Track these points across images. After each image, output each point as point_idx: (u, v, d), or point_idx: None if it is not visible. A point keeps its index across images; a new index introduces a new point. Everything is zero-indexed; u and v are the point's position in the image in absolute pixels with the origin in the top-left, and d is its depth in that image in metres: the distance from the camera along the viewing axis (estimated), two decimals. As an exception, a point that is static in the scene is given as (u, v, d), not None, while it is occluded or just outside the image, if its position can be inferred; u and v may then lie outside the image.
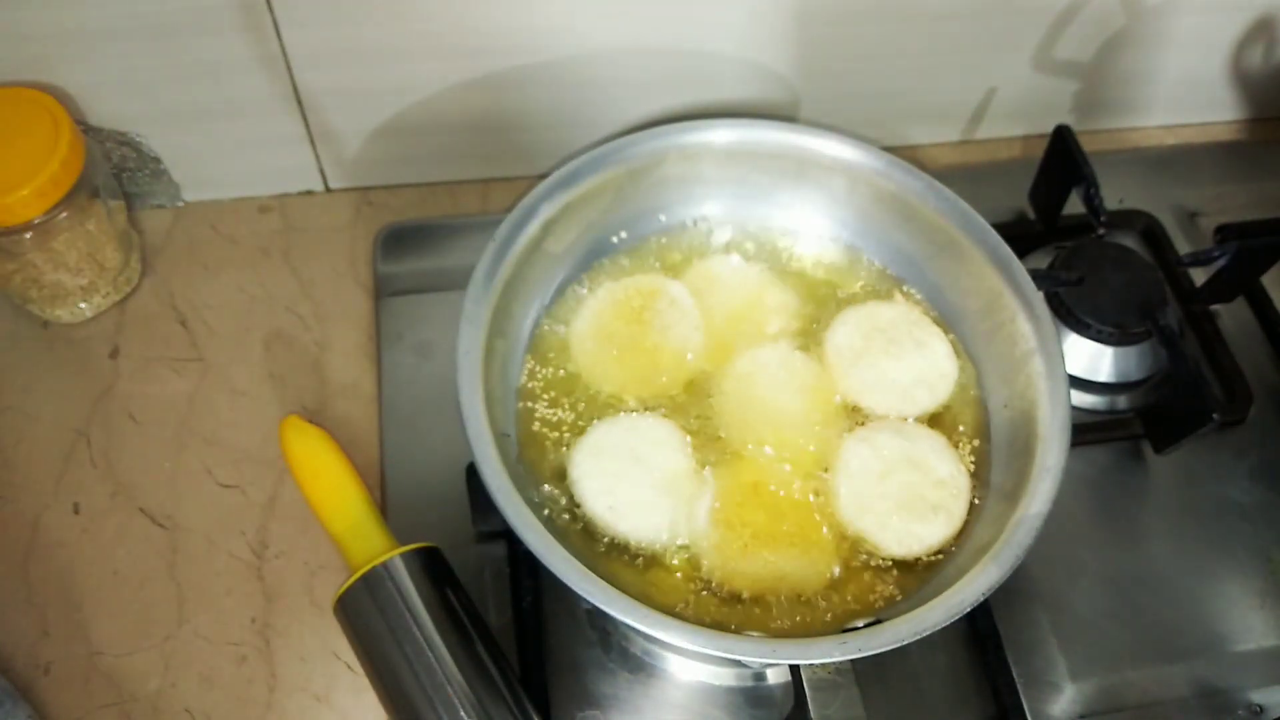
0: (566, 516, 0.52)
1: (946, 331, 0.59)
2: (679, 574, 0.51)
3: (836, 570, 0.52)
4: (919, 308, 0.59)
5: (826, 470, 0.54)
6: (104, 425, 0.61)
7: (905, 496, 0.53)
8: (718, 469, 0.54)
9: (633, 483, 0.52)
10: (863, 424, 0.56)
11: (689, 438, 0.54)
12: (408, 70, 0.64)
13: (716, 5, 0.63)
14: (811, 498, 0.53)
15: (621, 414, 0.55)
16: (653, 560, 0.51)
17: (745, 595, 0.51)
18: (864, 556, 0.52)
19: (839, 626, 0.50)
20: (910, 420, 0.56)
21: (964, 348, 0.58)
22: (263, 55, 0.61)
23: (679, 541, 0.52)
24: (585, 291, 0.59)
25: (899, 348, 0.57)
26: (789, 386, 0.57)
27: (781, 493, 0.53)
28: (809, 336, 0.59)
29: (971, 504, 0.53)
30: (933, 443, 0.55)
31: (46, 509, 0.59)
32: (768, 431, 0.55)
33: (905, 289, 0.60)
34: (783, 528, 0.52)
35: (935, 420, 0.56)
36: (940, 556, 0.52)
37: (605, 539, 0.52)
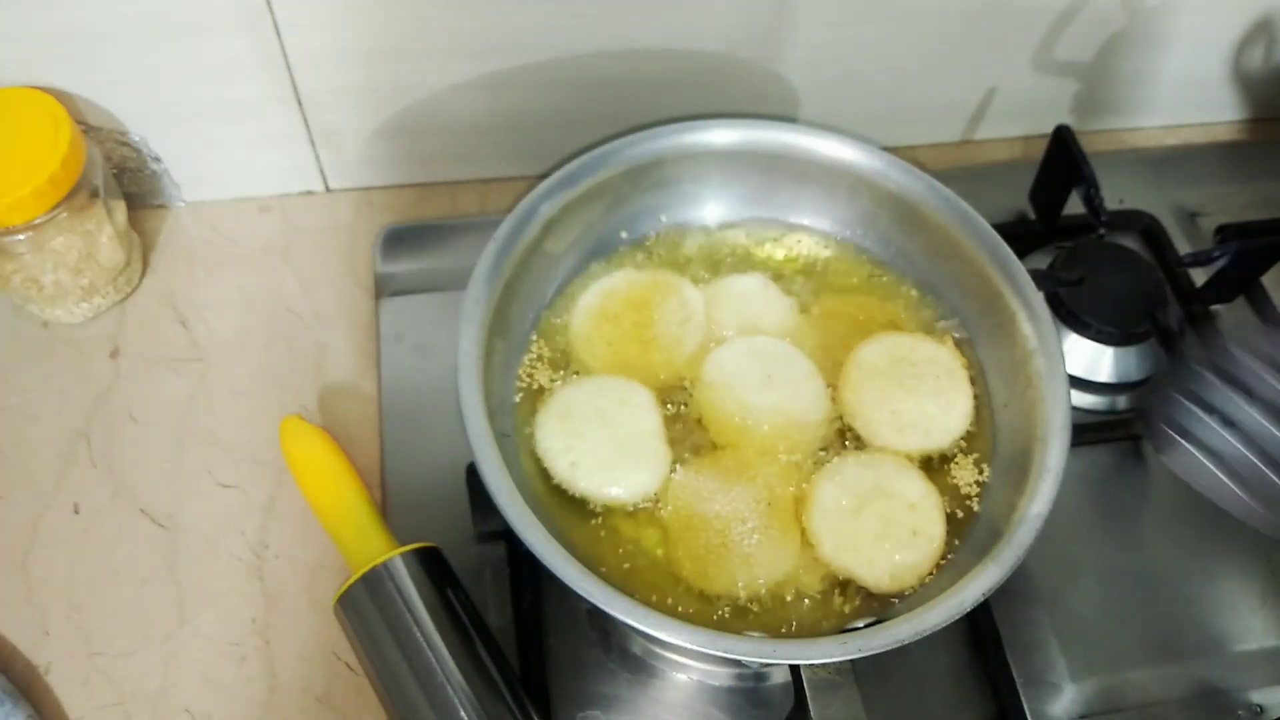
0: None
1: (984, 396, 0.57)
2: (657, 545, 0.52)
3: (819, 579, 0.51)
4: (963, 360, 0.57)
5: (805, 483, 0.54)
6: (104, 425, 0.61)
7: (884, 528, 0.52)
8: (697, 456, 0.54)
9: (595, 440, 0.53)
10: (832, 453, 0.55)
11: (654, 394, 0.55)
12: (408, 70, 0.64)
13: (716, 5, 0.63)
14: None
15: (589, 377, 0.55)
16: (636, 543, 0.52)
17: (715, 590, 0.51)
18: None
19: (838, 627, 0.50)
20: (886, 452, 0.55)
21: (969, 352, 0.58)
22: (263, 55, 0.61)
23: (645, 497, 0.52)
24: (604, 273, 0.60)
25: (918, 383, 0.56)
26: (780, 380, 0.56)
27: (761, 489, 0.53)
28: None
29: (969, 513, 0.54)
30: (898, 465, 0.54)
31: (46, 509, 0.59)
32: (752, 424, 0.55)
33: (957, 337, 0.58)
34: (758, 525, 0.52)
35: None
36: (929, 578, 0.52)
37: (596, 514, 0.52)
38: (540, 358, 0.57)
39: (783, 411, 0.55)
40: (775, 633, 0.50)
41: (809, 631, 0.50)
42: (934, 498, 0.53)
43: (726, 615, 0.50)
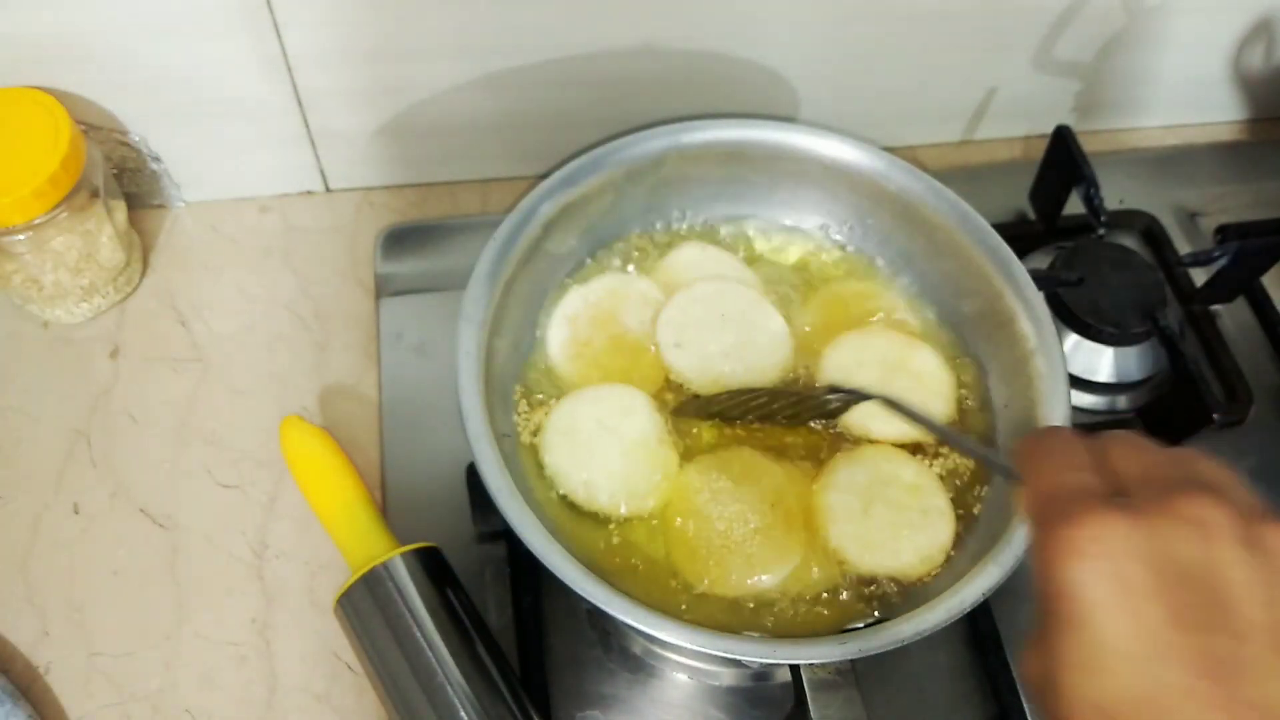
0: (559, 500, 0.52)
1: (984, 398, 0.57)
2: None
3: (816, 571, 0.51)
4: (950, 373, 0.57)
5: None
6: (104, 425, 0.61)
7: (896, 516, 0.52)
8: (699, 457, 0.54)
9: (605, 455, 0.53)
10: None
11: (653, 400, 0.55)
12: (408, 70, 0.64)
13: (716, 5, 0.63)
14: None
15: (585, 389, 0.55)
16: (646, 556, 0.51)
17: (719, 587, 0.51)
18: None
19: (839, 626, 0.50)
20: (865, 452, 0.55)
21: (965, 348, 0.58)
22: (263, 55, 0.61)
23: (654, 502, 0.52)
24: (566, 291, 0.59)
25: (895, 376, 0.56)
26: (733, 315, 0.57)
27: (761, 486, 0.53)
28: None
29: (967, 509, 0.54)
30: (884, 454, 0.54)
31: (46, 509, 0.59)
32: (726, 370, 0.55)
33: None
34: (762, 520, 0.52)
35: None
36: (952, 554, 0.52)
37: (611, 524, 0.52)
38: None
39: (748, 345, 0.56)
40: (776, 633, 0.50)
41: (810, 631, 0.50)
42: (930, 475, 0.53)
43: (727, 615, 0.50)
